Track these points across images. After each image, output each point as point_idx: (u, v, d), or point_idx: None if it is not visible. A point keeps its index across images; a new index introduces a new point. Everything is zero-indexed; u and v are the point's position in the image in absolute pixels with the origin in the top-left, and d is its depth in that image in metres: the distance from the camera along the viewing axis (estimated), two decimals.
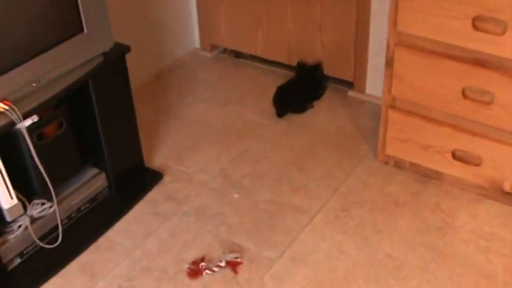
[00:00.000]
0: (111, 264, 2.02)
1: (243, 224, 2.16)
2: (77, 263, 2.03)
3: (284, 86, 2.78)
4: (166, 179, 2.37)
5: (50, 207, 2.00)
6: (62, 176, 2.07)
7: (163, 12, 2.94)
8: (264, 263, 2.01)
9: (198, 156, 2.49)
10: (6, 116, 1.71)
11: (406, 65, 2.11)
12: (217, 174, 2.39)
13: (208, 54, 3.19)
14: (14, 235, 1.93)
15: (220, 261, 1.99)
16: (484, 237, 2.06)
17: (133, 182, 2.30)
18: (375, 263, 1.99)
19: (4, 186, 1.84)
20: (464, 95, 2.04)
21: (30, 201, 1.98)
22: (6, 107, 1.71)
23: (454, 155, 2.18)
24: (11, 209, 1.88)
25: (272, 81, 2.90)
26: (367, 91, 2.79)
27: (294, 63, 2.91)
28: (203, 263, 1.98)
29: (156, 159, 2.48)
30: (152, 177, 2.36)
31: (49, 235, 2.03)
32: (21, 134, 1.81)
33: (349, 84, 2.84)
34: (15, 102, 1.74)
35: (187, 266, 1.99)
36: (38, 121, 1.87)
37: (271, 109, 2.72)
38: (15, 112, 1.72)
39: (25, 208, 1.95)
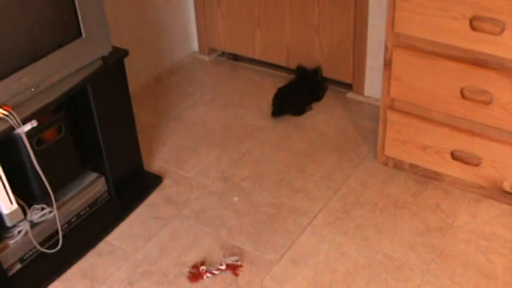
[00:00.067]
0: (111, 268, 2.02)
1: (243, 226, 2.16)
2: (78, 267, 2.03)
3: (284, 88, 2.79)
4: (166, 182, 2.37)
5: (50, 212, 2.00)
6: (62, 180, 2.07)
7: (162, 16, 2.94)
8: (265, 265, 2.01)
9: (197, 159, 2.49)
10: (5, 121, 1.72)
11: (404, 66, 2.11)
12: (217, 177, 2.39)
13: (206, 58, 3.19)
14: (14, 240, 1.93)
15: (221, 264, 1.99)
16: (484, 237, 2.06)
17: (133, 186, 2.30)
18: (376, 264, 1.99)
19: (4, 191, 1.84)
20: (463, 95, 2.04)
21: (30, 207, 1.98)
22: (6, 112, 1.71)
23: (454, 155, 2.18)
24: (11, 214, 1.89)
25: (271, 84, 2.91)
26: (366, 93, 2.80)
27: (293, 66, 2.92)
28: (203, 267, 1.98)
29: (155, 163, 2.48)
30: (152, 181, 2.36)
31: (49, 240, 2.04)
32: (21, 139, 1.81)
33: (348, 86, 2.85)
34: (14, 107, 1.74)
35: (187, 269, 1.99)
36: (37, 126, 1.87)
37: (270, 111, 2.72)
38: (15, 117, 1.72)
39: (25, 213, 1.95)
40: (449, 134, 2.15)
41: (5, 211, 1.87)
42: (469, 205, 2.19)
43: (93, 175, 2.19)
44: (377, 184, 2.31)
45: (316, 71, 2.83)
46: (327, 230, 2.13)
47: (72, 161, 2.10)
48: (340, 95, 2.85)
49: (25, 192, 1.96)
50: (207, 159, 2.49)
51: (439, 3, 1.92)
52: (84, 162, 2.15)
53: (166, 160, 2.49)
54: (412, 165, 2.32)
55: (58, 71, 1.86)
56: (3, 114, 1.71)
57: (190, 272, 1.98)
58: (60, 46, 1.84)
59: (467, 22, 1.90)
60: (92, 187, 2.17)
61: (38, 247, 1.98)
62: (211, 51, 3.20)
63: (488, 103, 2.00)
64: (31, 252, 1.99)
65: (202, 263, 2.00)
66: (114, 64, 2.04)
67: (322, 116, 2.71)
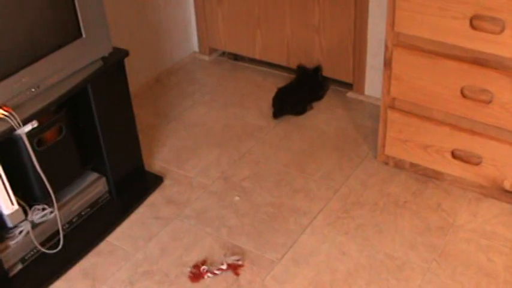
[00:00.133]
0: (112, 268, 2.02)
1: (244, 226, 2.16)
2: (79, 267, 2.03)
3: (284, 88, 2.79)
4: (166, 182, 2.38)
5: (51, 212, 2.00)
6: (63, 181, 2.07)
7: (162, 16, 2.94)
8: (266, 265, 2.01)
9: (198, 159, 2.50)
10: (5, 122, 1.72)
11: (404, 66, 2.11)
12: (217, 177, 2.39)
13: (207, 58, 3.19)
14: (15, 241, 1.93)
15: (222, 263, 1.99)
16: (485, 236, 2.06)
17: (133, 186, 2.31)
18: (376, 264, 1.99)
19: (5, 192, 1.84)
20: (463, 94, 2.04)
21: (31, 207, 1.98)
22: (6, 113, 1.71)
23: (454, 155, 2.18)
24: (12, 214, 1.89)
25: (271, 84, 2.91)
26: (366, 92, 2.80)
27: (293, 65, 2.92)
28: (204, 266, 1.98)
29: (156, 163, 2.48)
30: (152, 181, 2.36)
31: (50, 240, 2.04)
32: (21, 139, 1.82)
33: (348, 86, 2.85)
34: (15, 108, 1.74)
35: (188, 269, 1.99)
36: (37, 126, 1.87)
37: (270, 111, 2.72)
38: (15, 118, 1.72)
39: (26, 214, 1.95)
40: (449, 133, 2.15)
41: (6, 212, 1.87)
42: (470, 204, 2.19)
43: (94, 175, 2.19)
44: (377, 183, 2.31)
45: (317, 71, 2.83)
46: (327, 229, 2.13)
47: (73, 162, 2.10)
48: (341, 94, 2.85)
49: (26, 193, 1.97)
50: (208, 159, 2.49)
51: (439, 3, 1.92)
52: (84, 162, 2.15)
53: (166, 160, 2.49)
54: (412, 165, 2.32)
55: (58, 72, 1.86)
56: (4, 114, 1.71)
57: (191, 271, 1.98)
58: (60, 46, 1.84)
59: (468, 21, 1.90)
60: (92, 187, 2.17)
61: (39, 247, 1.98)
62: (211, 51, 3.20)
63: (488, 102, 2.00)
64: (32, 253, 1.99)
65: (203, 263, 2.00)
66: (114, 64, 2.04)
67: (323, 115, 2.72)
